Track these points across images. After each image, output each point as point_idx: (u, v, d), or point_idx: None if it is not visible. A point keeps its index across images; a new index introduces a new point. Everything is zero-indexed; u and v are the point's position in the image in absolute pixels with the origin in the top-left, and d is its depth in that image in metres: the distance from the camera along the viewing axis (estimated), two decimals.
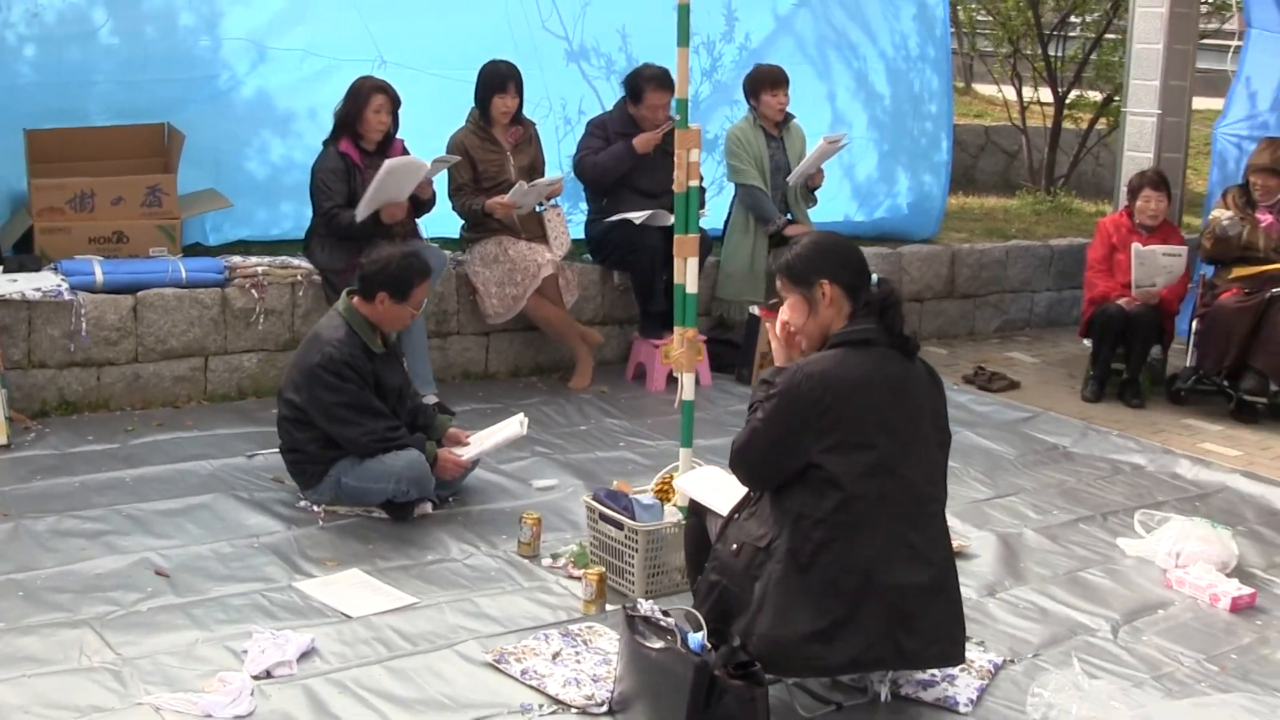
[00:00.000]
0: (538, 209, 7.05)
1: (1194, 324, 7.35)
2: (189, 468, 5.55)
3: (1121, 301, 7.34)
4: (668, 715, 3.52)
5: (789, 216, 7.67)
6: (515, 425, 5.38)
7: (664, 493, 4.86)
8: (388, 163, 6.17)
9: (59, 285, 5.97)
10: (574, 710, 3.80)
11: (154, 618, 4.26)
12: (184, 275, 6.26)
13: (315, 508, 5.19)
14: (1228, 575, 4.95)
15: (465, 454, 5.33)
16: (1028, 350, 8.65)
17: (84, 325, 5.96)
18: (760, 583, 3.69)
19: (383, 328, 5.21)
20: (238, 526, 5.03)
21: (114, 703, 3.73)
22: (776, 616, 3.65)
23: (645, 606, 3.81)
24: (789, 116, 7.75)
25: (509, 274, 6.85)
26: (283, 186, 7.14)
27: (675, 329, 4.74)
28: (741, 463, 3.81)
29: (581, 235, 7.54)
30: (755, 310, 7.39)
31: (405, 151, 6.57)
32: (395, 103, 6.44)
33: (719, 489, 4.20)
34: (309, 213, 6.61)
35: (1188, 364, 7.42)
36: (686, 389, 4.74)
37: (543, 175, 7.08)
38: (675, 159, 4.67)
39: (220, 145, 6.94)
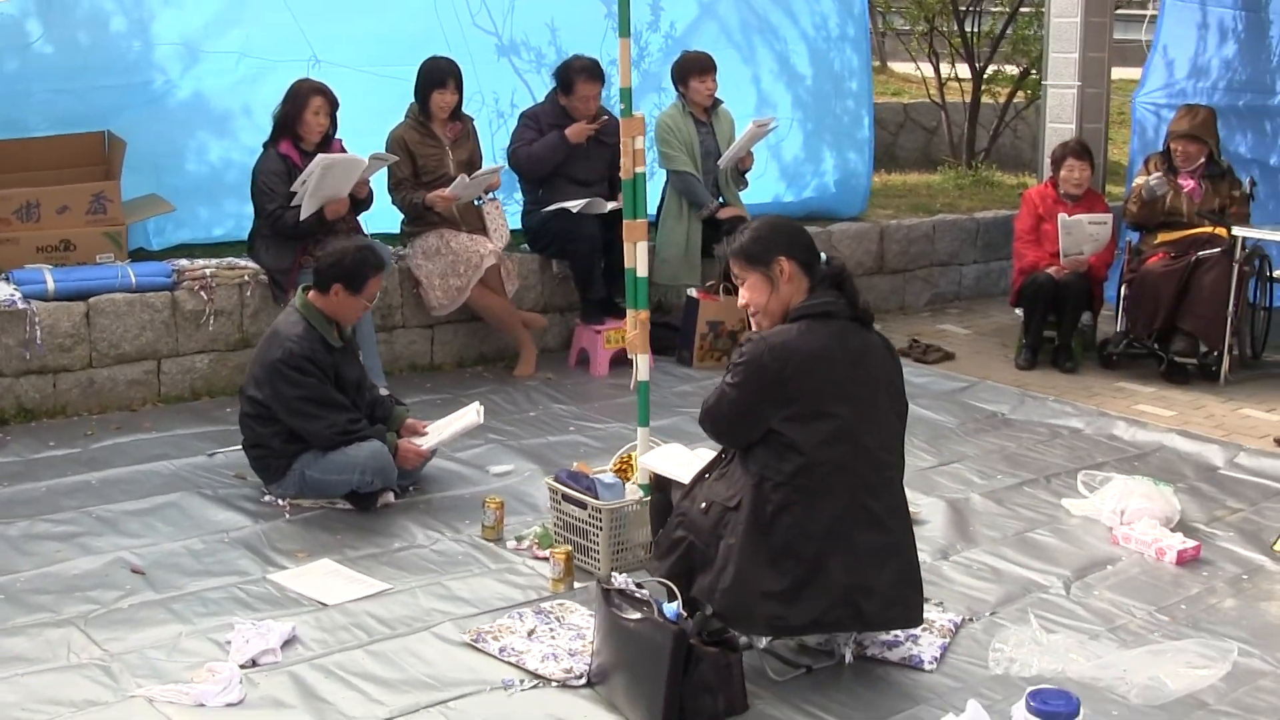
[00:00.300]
0: (476, 202, 7.15)
1: (1122, 289, 7.59)
2: (152, 468, 5.60)
3: (1051, 270, 7.56)
4: (647, 684, 3.65)
5: (720, 200, 7.82)
6: (472, 414, 5.49)
7: (623, 472, 4.99)
8: (321, 157, 6.22)
9: (12, 295, 5.98)
10: (554, 684, 3.92)
11: (135, 614, 4.33)
12: (134, 280, 6.29)
13: (280, 501, 5.27)
14: (1171, 530, 5.16)
15: (424, 443, 5.43)
16: (959, 322, 8.87)
17: (38, 333, 5.97)
18: (725, 542, 3.84)
19: (339, 320, 5.29)
20: (206, 523, 5.09)
21: (107, 696, 3.80)
22: (738, 576, 3.79)
23: (620, 580, 3.94)
24: (717, 102, 7.89)
25: (452, 266, 6.94)
26: (223, 186, 7.18)
27: (628, 312, 4.85)
28: (710, 423, 4.00)
29: (518, 226, 7.63)
30: (693, 293, 7.56)
31: (344, 150, 6.66)
32: (333, 104, 6.50)
33: (683, 463, 4.34)
34: (250, 212, 6.65)
35: (1118, 329, 7.66)
36: (641, 370, 4.86)
37: (479, 168, 7.18)
38: (622, 146, 4.77)
39: (159, 149, 6.95)
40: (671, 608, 3.74)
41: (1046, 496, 5.65)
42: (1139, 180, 7.66)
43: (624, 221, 4.84)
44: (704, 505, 3.94)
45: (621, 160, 4.80)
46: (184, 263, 6.56)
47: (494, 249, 6.97)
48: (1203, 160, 7.51)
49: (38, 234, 6.41)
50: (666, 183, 7.84)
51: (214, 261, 6.61)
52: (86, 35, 6.68)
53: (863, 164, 9.41)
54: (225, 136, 7.15)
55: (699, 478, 4.08)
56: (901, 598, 3.98)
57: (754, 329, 4.07)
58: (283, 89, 6.55)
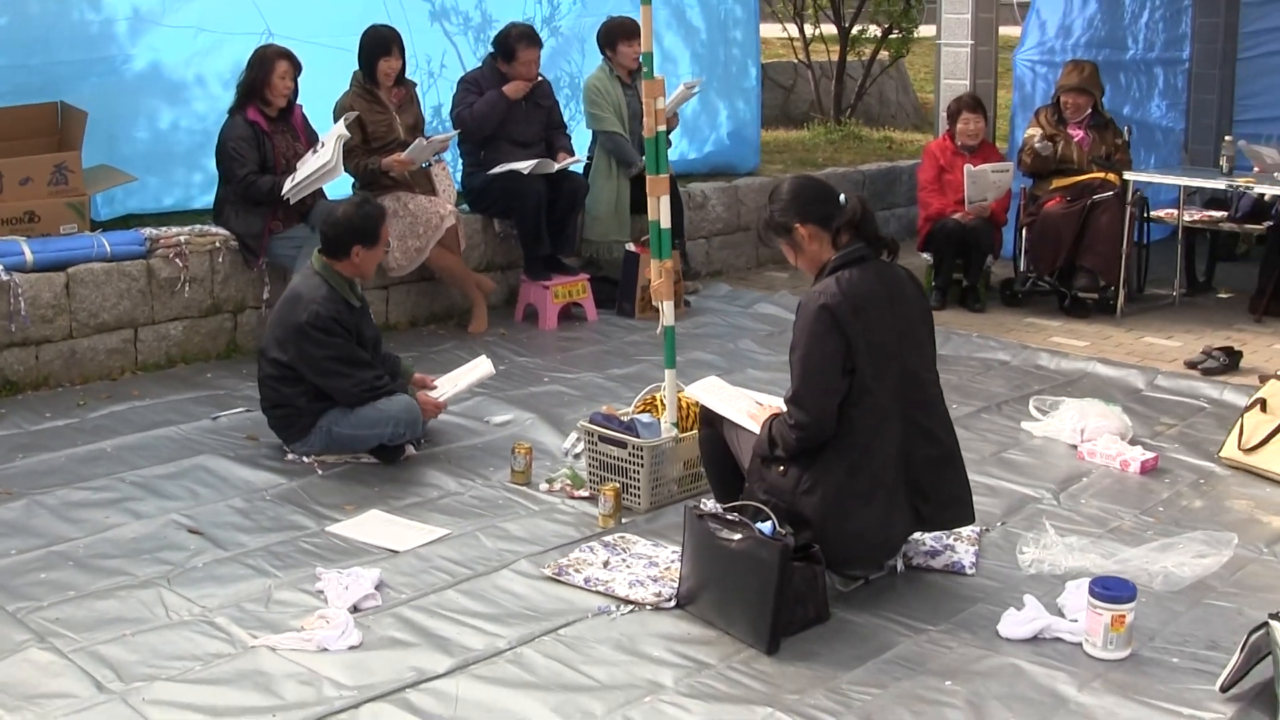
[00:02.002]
0: (424, 165, 7.30)
1: (1023, 232, 8.19)
2: (161, 434, 5.66)
3: (957, 216, 8.11)
4: (753, 596, 3.97)
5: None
6: (485, 366, 5.72)
7: (650, 411, 5.29)
8: (313, 155, 6.35)
9: None
10: (648, 607, 4.22)
11: (214, 571, 4.44)
12: (109, 250, 6.29)
13: (305, 459, 5.40)
14: (1129, 444, 5.73)
15: (440, 396, 5.62)
16: None
17: (22, 305, 5.93)
18: (816, 495, 4.16)
19: (362, 276, 5.46)
20: (240, 483, 5.20)
21: (227, 649, 3.92)
22: (845, 519, 4.13)
23: (709, 505, 4.25)
24: (640, 66, 8.16)
25: (410, 227, 7.09)
26: (173, 157, 7.20)
27: (653, 262, 5.14)
28: (798, 406, 4.16)
29: (458, 188, 7.81)
30: (631, 247, 7.86)
31: (305, 118, 6.77)
32: (297, 68, 6.59)
33: (728, 398, 4.66)
34: (201, 181, 6.69)
35: (1021, 269, 8.27)
36: (667, 315, 5.16)
37: (423, 131, 7.34)
38: (644, 106, 5.05)
39: (112, 121, 6.92)
40: (766, 527, 4.06)
41: (1004, 421, 6.16)
42: (1030, 131, 8.25)
43: (648, 177, 5.11)
44: (781, 469, 4.25)
45: (645, 119, 5.08)
46: (156, 231, 6.56)
47: (452, 209, 7.15)
48: (1089, 111, 8.14)
49: (1, 206, 6.32)
50: (594, 143, 8.10)
51: (186, 229, 6.63)
52: (42, 7, 6.59)
53: (751, 114, 9.82)
54: (177, 106, 7.17)
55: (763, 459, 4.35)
56: (956, 499, 4.39)
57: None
58: (236, 61, 6.64)
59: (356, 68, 7.13)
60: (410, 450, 5.49)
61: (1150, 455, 5.62)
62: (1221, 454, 5.67)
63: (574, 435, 5.71)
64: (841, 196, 4.35)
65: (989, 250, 8.21)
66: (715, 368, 6.68)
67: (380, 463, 5.42)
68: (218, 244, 6.62)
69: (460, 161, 7.81)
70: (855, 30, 12.25)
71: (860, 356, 4.14)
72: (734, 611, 4.07)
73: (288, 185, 6.45)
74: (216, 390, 6.24)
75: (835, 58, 12.34)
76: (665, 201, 5.11)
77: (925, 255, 8.39)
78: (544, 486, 5.23)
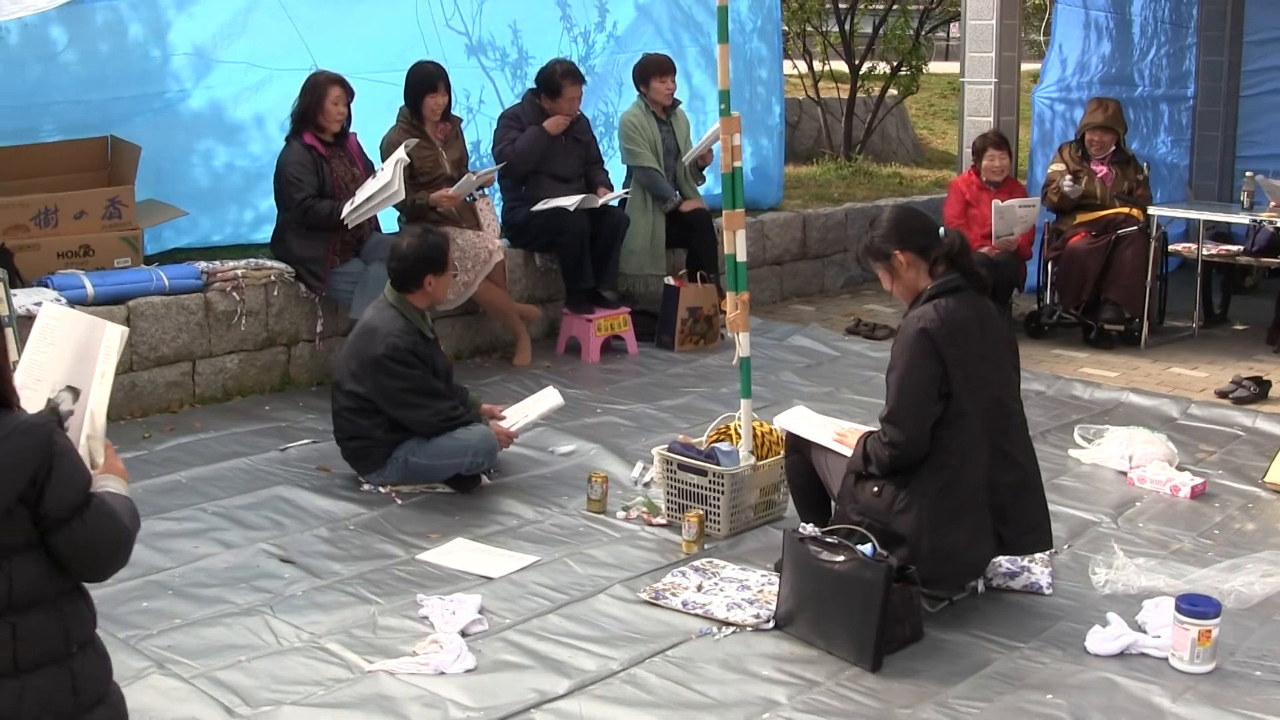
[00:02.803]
0: (468, 199, 7.43)
1: (1050, 266, 8.38)
2: (232, 465, 5.74)
3: (984, 250, 8.28)
4: (857, 616, 4.09)
5: (680, 194, 8.29)
6: (555, 397, 5.84)
7: (719, 440, 5.41)
8: (374, 180, 6.49)
9: (57, 300, 5.99)
10: (748, 629, 4.34)
11: (314, 599, 4.53)
12: (167, 283, 6.37)
13: (382, 489, 5.49)
14: (1177, 470, 5.89)
15: (511, 426, 5.73)
16: (880, 302, 9.55)
17: None
18: (911, 514, 4.30)
19: (435, 303, 5.59)
20: (320, 513, 5.29)
21: (345, 674, 4.00)
22: (938, 537, 4.27)
23: (808, 529, 4.38)
24: (676, 102, 8.36)
25: (459, 262, 7.19)
26: (221, 193, 7.28)
27: (729, 294, 5.28)
28: (893, 425, 4.31)
29: (499, 222, 7.93)
30: (670, 281, 8.01)
31: (360, 145, 6.90)
32: (350, 94, 6.71)
33: (815, 425, 4.81)
34: (249, 219, 6.79)
35: (1047, 301, 8.46)
36: (742, 347, 5.30)
37: (466, 167, 7.48)
38: (722, 143, 5.20)
39: (160, 157, 7.01)
40: (867, 549, 4.19)
41: (1051, 449, 6.30)
42: (1055, 168, 8.45)
43: (724, 211, 5.25)
44: (875, 489, 4.38)
45: (721, 156, 5.22)
46: (214, 264, 6.66)
47: (500, 244, 7.27)
48: (1113, 148, 8.36)
49: (57, 239, 6.42)
50: (629, 177, 8.25)
51: (241, 262, 6.73)
52: (107, 45, 6.71)
53: (774, 150, 10.01)
54: (228, 144, 7.30)
55: (857, 476, 4.48)
56: (1035, 524, 4.54)
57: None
58: (283, 96, 6.73)
59: (403, 103, 7.24)
60: (484, 480, 5.59)
61: (1199, 480, 5.78)
62: (1266, 479, 5.84)
63: (640, 464, 5.83)
64: (941, 230, 4.51)
65: (1015, 283, 8.40)
66: (760, 399, 6.82)
67: (456, 492, 5.52)
68: (273, 277, 6.72)
69: (500, 196, 7.94)
70: (865, 68, 12.46)
71: (955, 380, 4.29)
72: (834, 631, 4.19)
73: (347, 209, 6.55)
74: (278, 422, 6.33)
75: (844, 94, 12.55)
76: (741, 235, 5.25)
77: None
78: (620, 514, 5.34)
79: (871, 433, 4.49)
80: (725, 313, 5.37)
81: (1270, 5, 9.96)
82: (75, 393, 2.69)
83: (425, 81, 7.22)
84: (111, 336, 2.86)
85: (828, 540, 4.27)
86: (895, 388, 4.35)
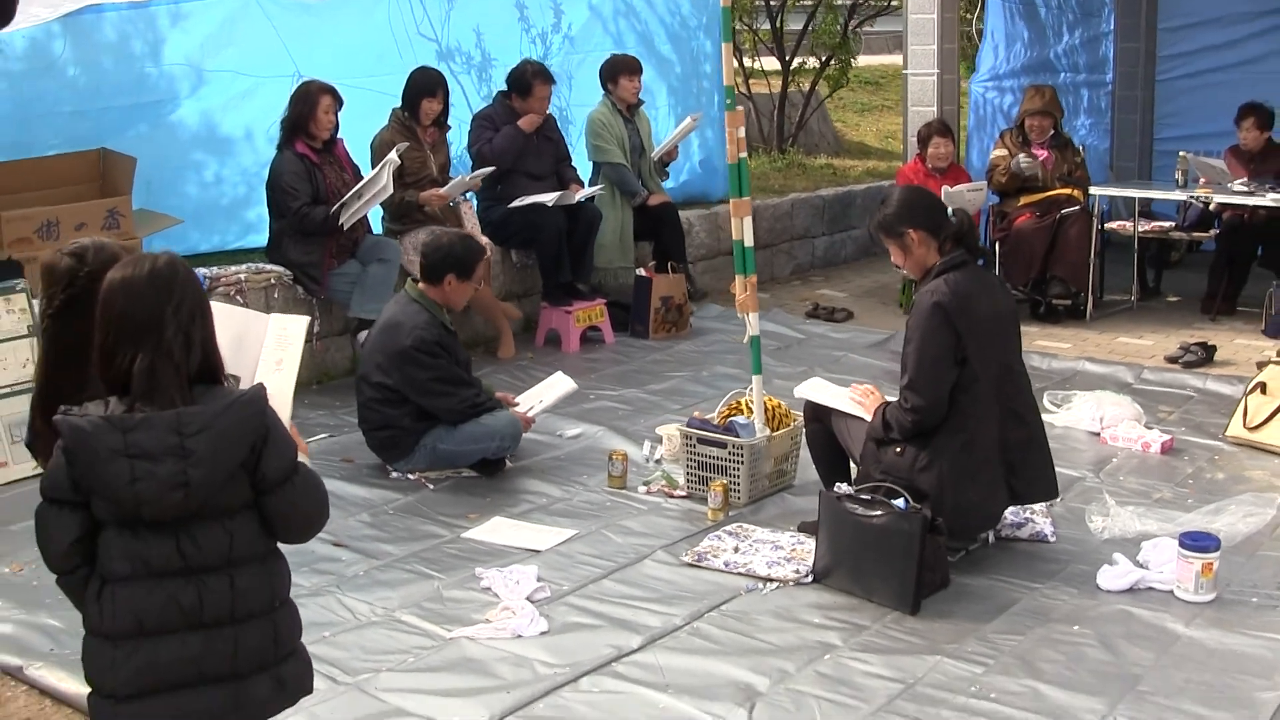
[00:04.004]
0: (450, 203, 7.69)
1: (997, 246, 8.84)
2: None
3: None
4: (897, 565, 4.46)
5: (645, 189, 8.62)
6: (568, 383, 6.13)
7: (731, 415, 5.74)
8: (367, 180, 6.72)
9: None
10: (791, 583, 4.68)
11: (377, 577, 4.78)
12: None
13: (410, 476, 5.74)
14: (1145, 428, 6.35)
15: (529, 412, 6.01)
16: (830, 286, 9.97)
17: None
18: (933, 470, 4.66)
19: (450, 306, 5.82)
20: (358, 500, 5.53)
21: (428, 642, 4.27)
22: (959, 492, 4.65)
23: (843, 489, 4.73)
24: (640, 102, 8.68)
25: None
26: (211, 204, 7.45)
27: (738, 278, 5.61)
28: (914, 391, 4.66)
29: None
30: (642, 272, 8.33)
31: (346, 150, 7.13)
32: (339, 103, 6.95)
33: (833, 393, 5.17)
34: (234, 227, 6.98)
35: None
36: (752, 326, 5.64)
37: (448, 172, 7.75)
38: (727, 135, 5.53)
39: (150, 167, 7.15)
40: (899, 504, 4.55)
41: None
42: (998, 153, 8.92)
43: (731, 200, 5.59)
44: (899, 450, 4.75)
45: (728, 147, 5.56)
46: (207, 270, 6.82)
47: (487, 242, 7.53)
48: (1052, 132, 8.85)
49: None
50: (596, 173, 8.55)
51: (243, 267, 6.91)
52: (109, 58, 6.89)
53: (719, 142, 10.31)
54: (217, 154, 7.44)
55: (878, 441, 4.84)
56: (1043, 475, 4.93)
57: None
58: (268, 104, 6.93)
59: (398, 105, 7.49)
60: (508, 464, 5.86)
61: (1167, 437, 6.24)
62: (1227, 433, 6.32)
63: (648, 443, 6.15)
64: (949, 210, 4.89)
65: None
66: (741, 380, 7.17)
67: (481, 476, 5.79)
68: (272, 280, 6.92)
69: (476, 195, 8.19)
70: (796, 63, 12.87)
71: (969, 347, 4.67)
72: (873, 580, 4.55)
73: (343, 213, 6.77)
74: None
75: (775, 89, 12.95)
76: (748, 222, 5.59)
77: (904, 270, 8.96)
78: (642, 489, 5.65)
79: (889, 403, 4.85)
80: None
81: None
82: (237, 380, 2.93)
83: (426, 85, 7.49)
84: (284, 327, 3.11)
85: (862, 497, 4.63)
86: (914, 358, 4.72)
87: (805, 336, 8.42)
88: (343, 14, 7.74)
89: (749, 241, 5.60)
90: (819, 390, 5.23)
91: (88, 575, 2.70)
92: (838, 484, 4.83)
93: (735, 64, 12.87)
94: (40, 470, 2.95)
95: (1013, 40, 10.10)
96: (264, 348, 3.13)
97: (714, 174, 10.28)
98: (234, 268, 6.91)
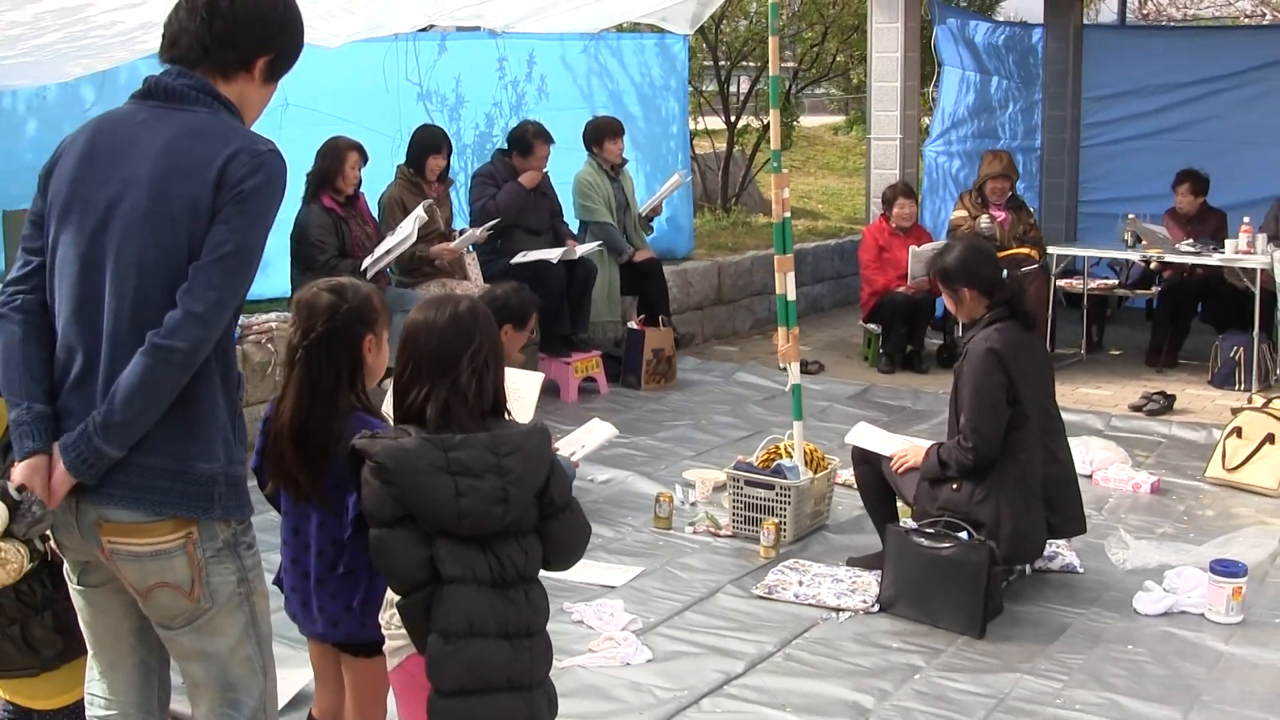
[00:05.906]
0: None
1: None
2: None
3: (901, 290, 9.22)
4: (965, 593, 4.85)
5: (631, 246, 8.99)
6: (607, 428, 6.42)
7: (771, 459, 6.10)
8: (399, 232, 6.99)
9: None
10: (860, 613, 5.04)
11: None
12: None
13: None
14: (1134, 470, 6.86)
15: (572, 457, 6.29)
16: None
17: None
18: (990, 503, 5.06)
19: (508, 356, 6.08)
20: None
21: None
22: (1016, 522, 5.05)
23: (908, 524, 5.11)
24: (624, 161, 9.06)
25: None
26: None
27: (780, 329, 6.00)
28: (974, 431, 5.08)
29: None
30: (634, 325, 8.68)
31: (367, 204, 7.41)
32: (365, 158, 7.21)
33: (881, 439, 5.57)
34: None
35: (959, 334, 9.42)
36: (793, 374, 6.03)
37: (451, 225, 8.04)
38: (774, 196, 5.93)
39: None
40: (963, 535, 4.95)
41: None
42: (958, 214, 9.47)
43: (776, 256, 5.98)
44: (955, 486, 5.15)
45: (774, 207, 5.95)
46: (244, 318, 6.99)
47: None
48: (1010, 194, 9.44)
49: None
50: (583, 230, 8.89)
51: (273, 315, 7.09)
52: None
53: (683, 202, 10.76)
54: None
55: (931, 481, 5.24)
56: (1075, 514, 5.37)
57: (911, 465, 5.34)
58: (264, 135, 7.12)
59: (403, 161, 7.77)
60: None
61: (1154, 478, 6.75)
62: (1207, 475, 6.85)
63: (679, 487, 6.47)
64: (1004, 272, 5.35)
65: (929, 320, 9.35)
66: (741, 429, 7.59)
67: None
68: None
69: (476, 250, 8.47)
70: (741, 124, 13.38)
71: (1020, 389, 5.11)
72: (938, 607, 4.93)
73: (368, 261, 7.02)
74: None
75: (719, 148, 13.44)
76: (791, 277, 5.97)
77: (872, 326, 9.47)
78: (689, 530, 5.97)
79: (941, 444, 5.26)
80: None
81: (1105, 66, 11.28)
82: None
83: (431, 143, 7.80)
84: (513, 382, 3.39)
85: (927, 530, 5.01)
86: (971, 399, 5.14)
87: (787, 388, 8.77)
88: (339, 58, 7.93)
89: (791, 295, 5.98)
90: (868, 436, 5.61)
91: (430, 595, 2.90)
92: (903, 520, 5.21)
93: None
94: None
95: (958, 108, 10.71)
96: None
97: (679, 232, 10.69)
98: (263, 316, 7.10)
